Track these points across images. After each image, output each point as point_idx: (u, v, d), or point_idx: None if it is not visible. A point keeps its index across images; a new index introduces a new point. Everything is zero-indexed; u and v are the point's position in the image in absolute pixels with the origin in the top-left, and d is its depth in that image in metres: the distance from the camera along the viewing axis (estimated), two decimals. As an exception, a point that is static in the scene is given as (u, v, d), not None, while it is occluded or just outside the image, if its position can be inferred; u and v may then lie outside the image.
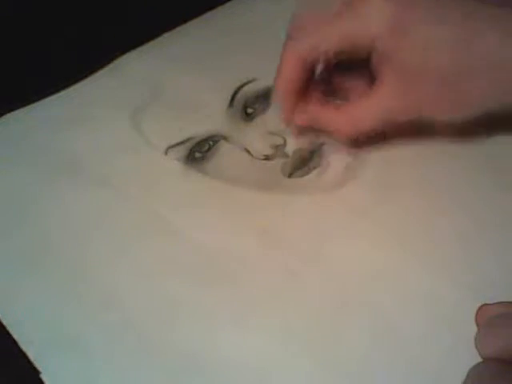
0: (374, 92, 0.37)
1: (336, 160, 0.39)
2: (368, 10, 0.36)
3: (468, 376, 0.28)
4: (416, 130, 0.39)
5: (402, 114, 0.37)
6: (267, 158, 0.40)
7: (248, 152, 0.41)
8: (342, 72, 0.40)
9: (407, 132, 0.39)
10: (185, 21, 0.50)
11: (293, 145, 0.40)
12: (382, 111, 0.37)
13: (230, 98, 0.44)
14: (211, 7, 0.51)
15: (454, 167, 0.39)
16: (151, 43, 0.48)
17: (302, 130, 0.40)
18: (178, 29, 0.49)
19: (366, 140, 0.39)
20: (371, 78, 0.38)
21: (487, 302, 0.31)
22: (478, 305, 0.31)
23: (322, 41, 0.37)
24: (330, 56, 0.37)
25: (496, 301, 0.31)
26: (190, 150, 0.40)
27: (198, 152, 0.40)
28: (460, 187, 0.38)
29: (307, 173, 0.39)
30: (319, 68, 0.39)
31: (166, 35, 0.49)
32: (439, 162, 0.39)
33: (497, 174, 0.39)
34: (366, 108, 0.38)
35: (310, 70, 0.38)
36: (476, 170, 0.39)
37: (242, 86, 0.44)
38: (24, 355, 0.31)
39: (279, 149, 0.41)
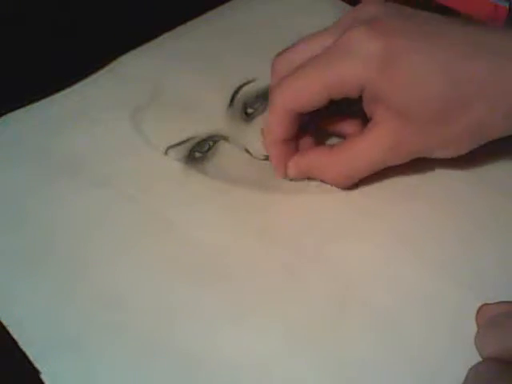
0: (367, 134, 0.36)
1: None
2: (355, 46, 0.34)
3: (467, 377, 0.28)
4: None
5: (396, 156, 0.36)
6: (267, 157, 0.40)
7: (248, 152, 0.41)
8: (333, 112, 0.38)
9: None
10: (185, 21, 0.50)
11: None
12: (376, 154, 0.36)
13: (229, 97, 0.44)
14: (211, 7, 0.51)
15: (455, 168, 0.39)
16: (151, 43, 0.48)
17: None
18: (178, 29, 0.49)
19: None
20: (365, 116, 0.37)
21: (488, 302, 0.31)
22: (479, 305, 0.31)
23: (308, 88, 0.35)
24: (318, 101, 0.35)
25: (497, 301, 0.31)
26: (190, 150, 0.40)
27: (198, 152, 0.40)
28: (462, 187, 0.38)
29: (307, 172, 0.39)
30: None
31: (165, 35, 0.49)
32: (441, 162, 0.39)
33: (499, 175, 0.39)
34: (360, 152, 0.36)
35: (299, 118, 0.36)
36: (479, 169, 0.39)
37: (241, 86, 0.44)
38: (24, 355, 0.31)
39: (279, 149, 0.41)
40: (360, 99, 0.36)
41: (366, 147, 0.36)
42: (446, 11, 0.51)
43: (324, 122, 0.40)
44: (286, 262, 0.35)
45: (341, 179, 0.37)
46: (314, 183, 0.38)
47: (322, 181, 0.38)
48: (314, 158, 0.38)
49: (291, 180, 0.39)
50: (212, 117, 0.42)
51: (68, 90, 0.45)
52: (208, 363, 0.31)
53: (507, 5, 0.48)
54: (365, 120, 0.37)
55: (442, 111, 0.34)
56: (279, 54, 0.38)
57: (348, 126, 0.39)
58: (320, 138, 0.40)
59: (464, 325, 0.31)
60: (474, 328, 0.31)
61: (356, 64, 0.34)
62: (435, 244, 0.35)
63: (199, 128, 0.42)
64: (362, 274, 0.34)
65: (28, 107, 0.44)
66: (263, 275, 0.34)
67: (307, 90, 0.35)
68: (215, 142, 0.41)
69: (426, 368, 0.30)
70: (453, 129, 0.35)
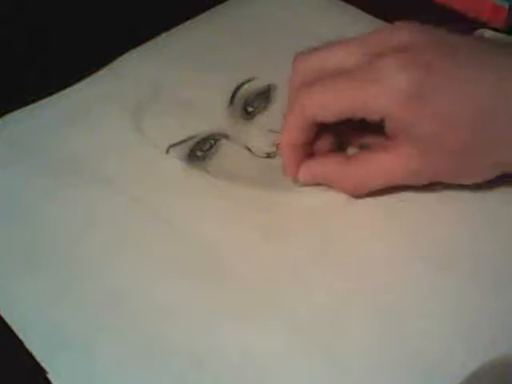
0: (387, 152, 0.35)
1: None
2: (385, 75, 0.33)
3: None
4: None
5: (416, 178, 0.36)
6: (269, 155, 0.40)
7: (249, 150, 0.41)
8: (352, 125, 0.38)
9: None
10: (184, 20, 0.50)
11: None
12: (396, 174, 0.36)
13: (230, 96, 0.44)
14: (210, 6, 0.51)
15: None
16: (151, 43, 0.48)
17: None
18: (177, 28, 0.49)
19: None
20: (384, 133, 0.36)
21: (490, 295, 0.31)
22: (482, 302, 0.31)
23: (333, 102, 0.35)
24: (339, 117, 0.35)
25: (499, 295, 0.31)
26: (192, 148, 0.40)
27: (200, 151, 0.40)
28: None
29: (309, 170, 0.39)
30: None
31: (165, 34, 0.49)
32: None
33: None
34: (375, 168, 0.36)
35: (317, 125, 0.36)
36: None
37: (241, 85, 0.44)
38: (31, 355, 0.31)
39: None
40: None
41: (386, 166, 0.36)
42: (446, 11, 0.51)
43: (341, 128, 0.38)
44: (289, 259, 0.35)
45: (355, 191, 0.37)
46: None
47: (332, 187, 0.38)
48: (330, 166, 0.37)
49: (297, 184, 0.38)
50: (212, 115, 0.42)
51: (68, 90, 0.45)
52: (209, 362, 0.31)
53: (507, 5, 0.48)
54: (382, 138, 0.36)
55: (468, 150, 0.34)
56: (302, 55, 0.37)
57: (366, 136, 0.39)
58: (334, 142, 0.39)
59: (464, 322, 0.31)
60: (474, 325, 0.31)
61: (382, 94, 0.34)
62: (441, 238, 0.35)
63: (200, 127, 0.41)
64: (365, 272, 0.34)
65: (28, 107, 0.44)
66: (266, 273, 0.34)
67: (332, 107, 0.35)
68: (216, 141, 0.41)
69: (426, 364, 0.30)
70: (472, 165, 0.35)
